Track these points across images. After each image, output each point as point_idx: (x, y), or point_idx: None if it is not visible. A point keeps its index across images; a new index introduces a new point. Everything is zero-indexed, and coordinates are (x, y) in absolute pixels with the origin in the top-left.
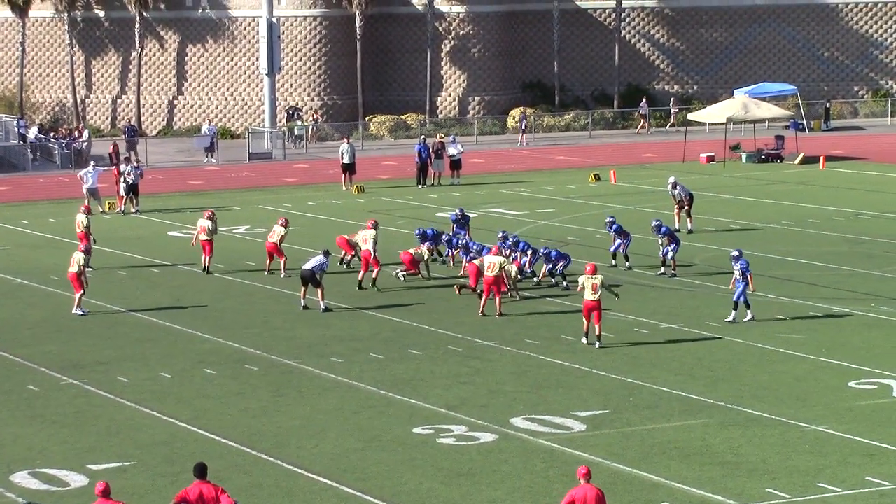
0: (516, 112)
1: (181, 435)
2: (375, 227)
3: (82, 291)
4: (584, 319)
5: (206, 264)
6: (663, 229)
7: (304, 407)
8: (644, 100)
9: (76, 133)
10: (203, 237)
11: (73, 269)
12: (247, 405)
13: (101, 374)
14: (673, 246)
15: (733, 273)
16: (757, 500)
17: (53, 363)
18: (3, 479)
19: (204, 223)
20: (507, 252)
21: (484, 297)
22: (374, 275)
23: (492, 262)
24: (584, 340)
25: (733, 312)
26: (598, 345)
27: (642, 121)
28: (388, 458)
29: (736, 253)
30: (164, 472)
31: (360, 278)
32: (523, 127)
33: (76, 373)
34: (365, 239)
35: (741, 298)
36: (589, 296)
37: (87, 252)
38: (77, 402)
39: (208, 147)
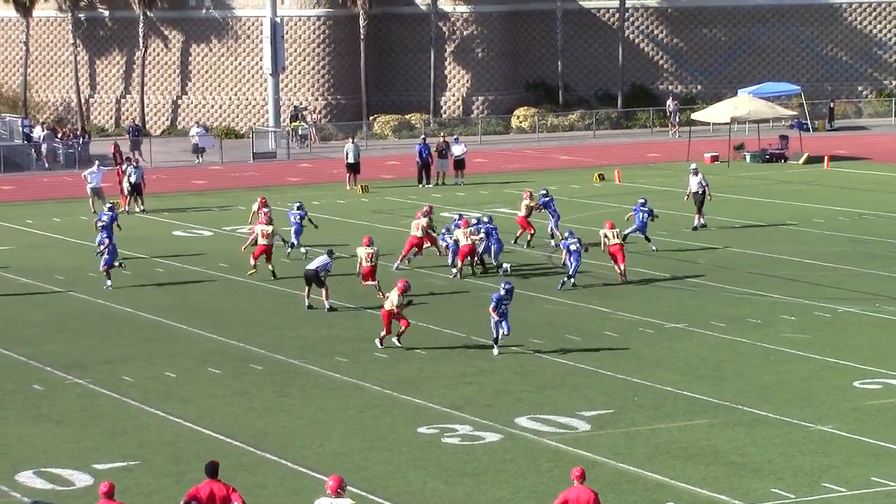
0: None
1: (186, 434)
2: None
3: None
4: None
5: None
6: (545, 199)
7: (308, 406)
8: (671, 99)
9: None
10: (415, 233)
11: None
12: (251, 405)
13: (106, 373)
14: (555, 218)
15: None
16: (762, 500)
17: (58, 362)
18: (9, 478)
19: (418, 222)
20: (479, 237)
21: None
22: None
23: None
24: (394, 341)
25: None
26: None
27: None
28: (392, 458)
29: (506, 286)
30: (169, 471)
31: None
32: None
33: (81, 372)
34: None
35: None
36: (387, 305)
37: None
38: (82, 402)
39: (199, 148)
